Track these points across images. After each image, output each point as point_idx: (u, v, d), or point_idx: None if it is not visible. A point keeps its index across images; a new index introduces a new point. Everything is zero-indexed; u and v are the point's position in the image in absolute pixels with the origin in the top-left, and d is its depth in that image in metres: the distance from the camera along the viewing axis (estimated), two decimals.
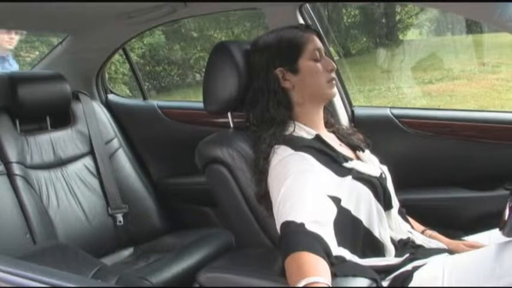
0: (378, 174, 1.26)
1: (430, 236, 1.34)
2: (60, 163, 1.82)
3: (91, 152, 1.90)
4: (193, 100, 2.85)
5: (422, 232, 1.36)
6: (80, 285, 0.85)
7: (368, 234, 1.20)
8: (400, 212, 1.32)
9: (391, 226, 1.24)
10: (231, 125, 1.42)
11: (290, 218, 1.05)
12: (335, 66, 1.31)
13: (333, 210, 1.12)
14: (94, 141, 1.91)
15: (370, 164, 1.31)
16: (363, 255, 1.18)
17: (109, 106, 2.23)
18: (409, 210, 1.38)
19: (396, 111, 1.81)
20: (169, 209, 2.08)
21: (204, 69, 1.43)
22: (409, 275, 1.12)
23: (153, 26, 2.10)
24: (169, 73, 7.06)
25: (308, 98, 1.29)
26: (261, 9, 1.75)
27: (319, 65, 1.29)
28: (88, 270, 1.37)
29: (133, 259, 1.82)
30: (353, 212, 1.18)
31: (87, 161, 1.89)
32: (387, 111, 1.82)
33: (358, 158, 1.32)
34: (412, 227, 1.33)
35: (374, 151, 1.38)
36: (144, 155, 2.21)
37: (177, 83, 7.14)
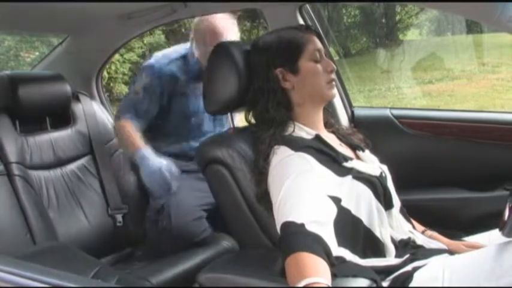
0: (377, 174, 1.26)
1: (430, 237, 1.34)
2: (60, 163, 1.82)
3: (91, 152, 1.90)
4: None
5: (423, 232, 1.36)
6: (80, 285, 0.85)
7: (368, 234, 1.20)
8: (401, 212, 1.32)
9: (391, 225, 1.24)
10: (231, 125, 1.42)
11: (290, 219, 1.05)
12: (335, 67, 1.31)
13: (333, 210, 1.12)
14: (94, 141, 1.91)
15: (370, 163, 1.31)
16: (363, 255, 1.18)
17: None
18: (409, 211, 1.38)
19: (396, 112, 1.81)
20: None
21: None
22: (409, 276, 1.12)
23: (153, 26, 2.10)
24: None
25: (308, 98, 1.29)
26: (261, 9, 1.75)
27: (319, 65, 1.28)
28: (88, 270, 1.36)
29: (133, 259, 1.82)
30: (353, 212, 1.18)
31: (87, 161, 1.89)
32: (387, 112, 1.82)
33: (358, 157, 1.32)
34: (414, 227, 1.33)
35: (374, 152, 1.38)
36: None
37: None
